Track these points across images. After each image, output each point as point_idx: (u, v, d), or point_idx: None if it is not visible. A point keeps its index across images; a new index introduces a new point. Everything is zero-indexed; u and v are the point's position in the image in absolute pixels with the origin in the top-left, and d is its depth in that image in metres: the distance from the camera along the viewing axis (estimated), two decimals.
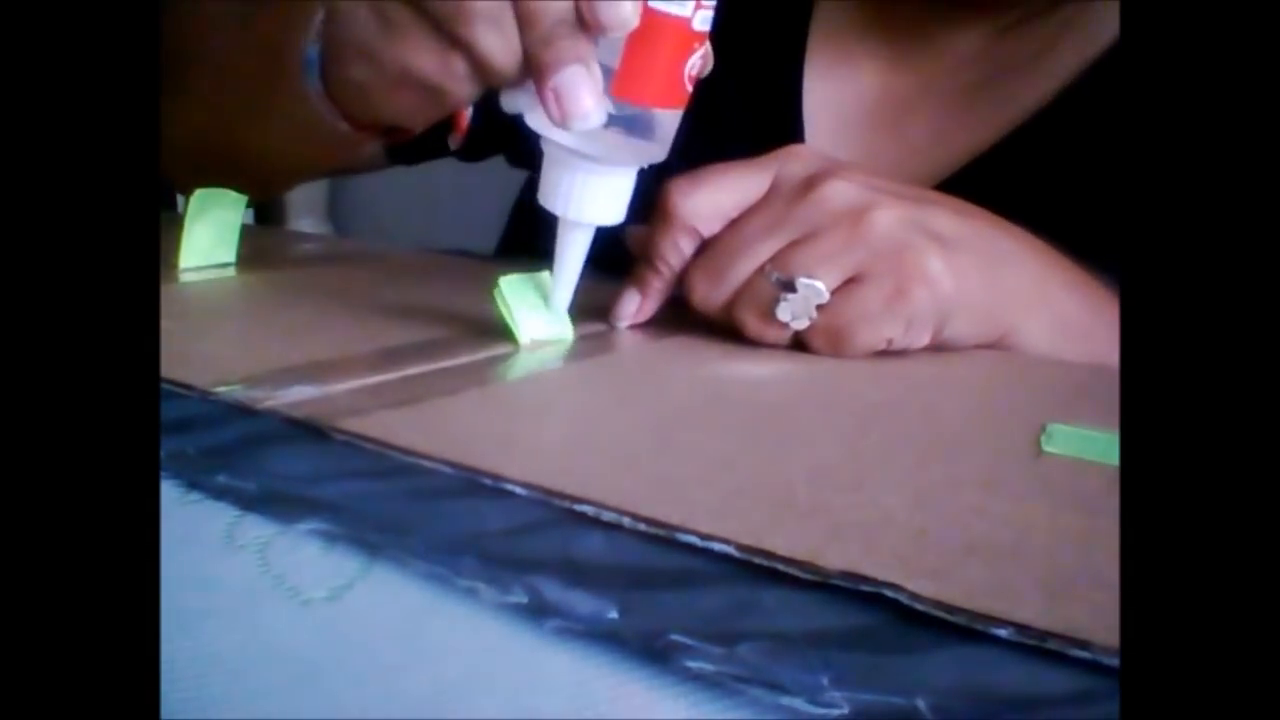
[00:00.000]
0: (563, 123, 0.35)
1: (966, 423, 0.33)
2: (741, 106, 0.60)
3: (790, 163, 0.42)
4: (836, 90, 0.59)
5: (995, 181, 0.53)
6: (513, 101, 0.37)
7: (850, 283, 0.39)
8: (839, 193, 0.40)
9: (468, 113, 0.48)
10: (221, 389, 0.33)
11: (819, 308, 0.39)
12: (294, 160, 0.55)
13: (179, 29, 0.54)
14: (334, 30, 0.42)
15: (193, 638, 0.21)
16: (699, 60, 0.37)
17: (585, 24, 0.35)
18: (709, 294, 0.41)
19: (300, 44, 0.43)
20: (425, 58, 0.38)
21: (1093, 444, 0.31)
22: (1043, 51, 0.55)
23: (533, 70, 0.36)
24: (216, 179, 0.50)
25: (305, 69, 0.44)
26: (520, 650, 0.21)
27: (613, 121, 0.36)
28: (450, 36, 0.37)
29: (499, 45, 0.36)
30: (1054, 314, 0.43)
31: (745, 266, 0.40)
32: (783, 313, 0.40)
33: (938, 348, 0.41)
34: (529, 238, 0.65)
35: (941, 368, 0.40)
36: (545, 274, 0.41)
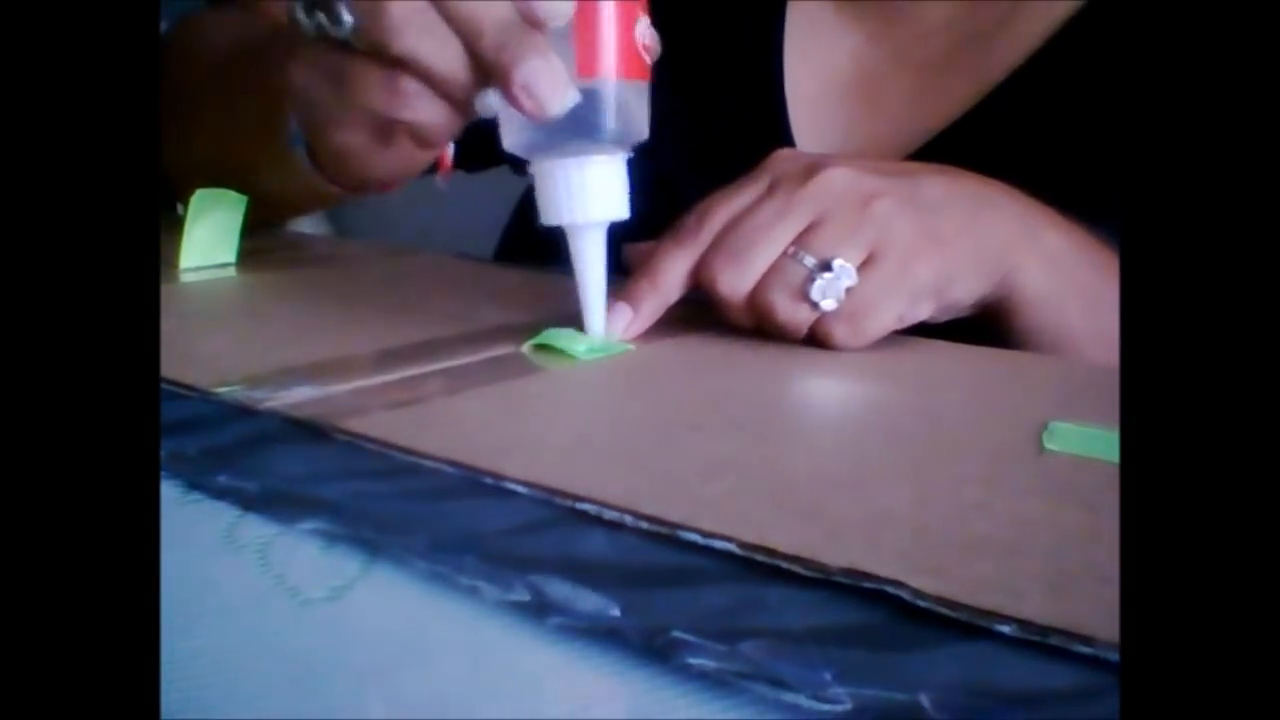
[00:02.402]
0: (539, 113, 0.36)
1: (967, 421, 0.33)
2: (724, 85, 0.61)
3: (781, 162, 0.43)
4: (813, 66, 0.60)
5: (970, 146, 0.55)
6: (484, 105, 0.38)
7: (863, 266, 0.40)
8: (839, 178, 0.41)
9: (449, 151, 0.49)
10: (222, 390, 0.32)
11: (846, 290, 0.40)
12: (296, 206, 0.58)
13: (191, 75, 0.57)
14: (298, 106, 0.44)
15: (193, 638, 0.21)
16: (646, 30, 0.39)
17: (529, 21, 0.36)
18: (736, 281, 0.41)
19: (285, 120, 0.45)
20: (375, 90, 0.38)
21: (1094, 441, 0.31)
22: (1010, 16, 0.56)
23: (496, 77, 0.36)
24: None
25: (292, 141, 0.45)
26: (521, 650, 0.21)
27: (575, 125, 0.37)
28: (387, 57, 0.37)
29: (437, 50, 0.37)
30: (1043, 249, 0.44)
31: (768, 251, 0.41)
32: (816, 293, 0.40)
33: (943, 320, 0.42)
34: (528, 242, 0.66)
35: (942, 366, 0.40)
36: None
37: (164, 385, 0.33)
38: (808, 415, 0.34)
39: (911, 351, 0.41)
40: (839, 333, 0.41)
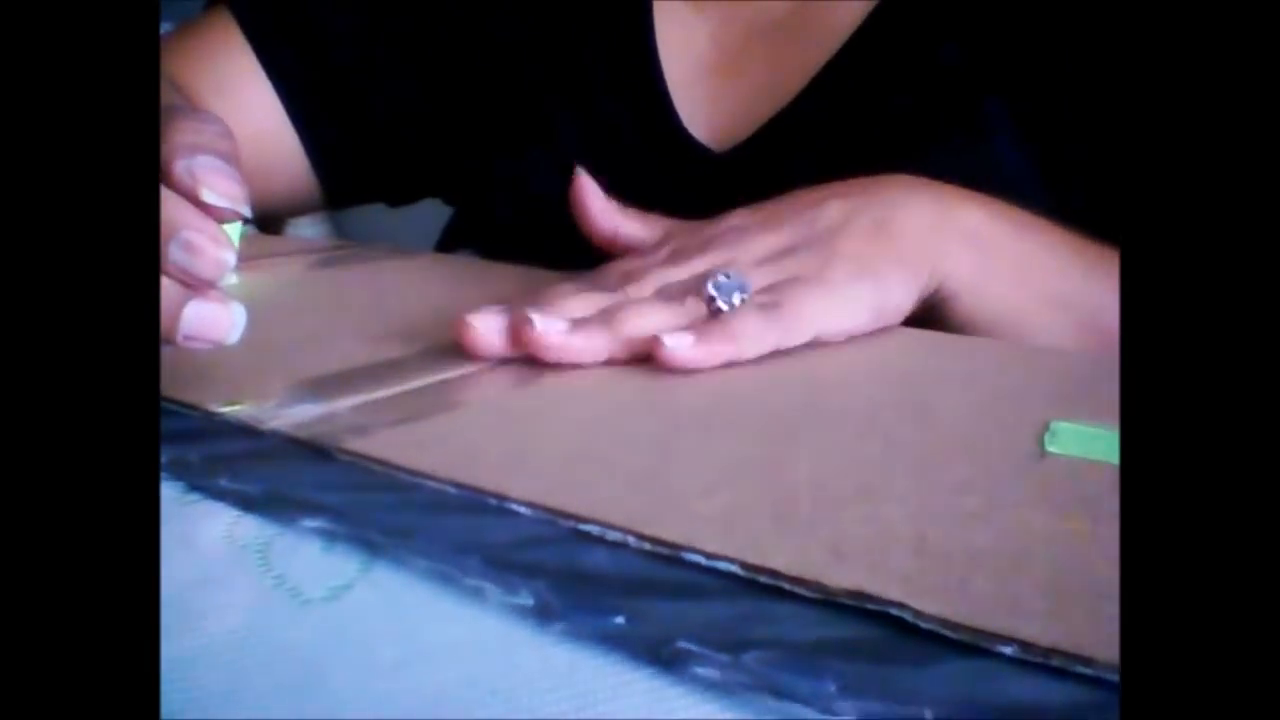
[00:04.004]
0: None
1: (968, 422, 0.33)
2: (611, 84, 0.64)
3: (679, 233, 0.45)
4: (680, 54, 0.64)
5: (829, 102, 0.58)
6: None
7: (784, 284, 0.40)
8: (744, 231, 0.43)
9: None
10: (224, 409, 0.32)
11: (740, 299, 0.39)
12: None
13: None
14: None
15: (193, 638, 0.21)
16: None
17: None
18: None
19: None
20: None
21: (1096, 442, 0.31)
22: None
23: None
24: None
25: None
26: (521, 650, 0.21)
27: None
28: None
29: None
30: (963, 229, 0.45)
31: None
32: (711, 286, 0.39)
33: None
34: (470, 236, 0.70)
35: (941, 361, 0.40)
36: None
37: (165, 403, 0.33)
38: (807, 419, 0.34)
39: (909, 346, 0.41)
40: (752, 324, 0.38)
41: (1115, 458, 0.29)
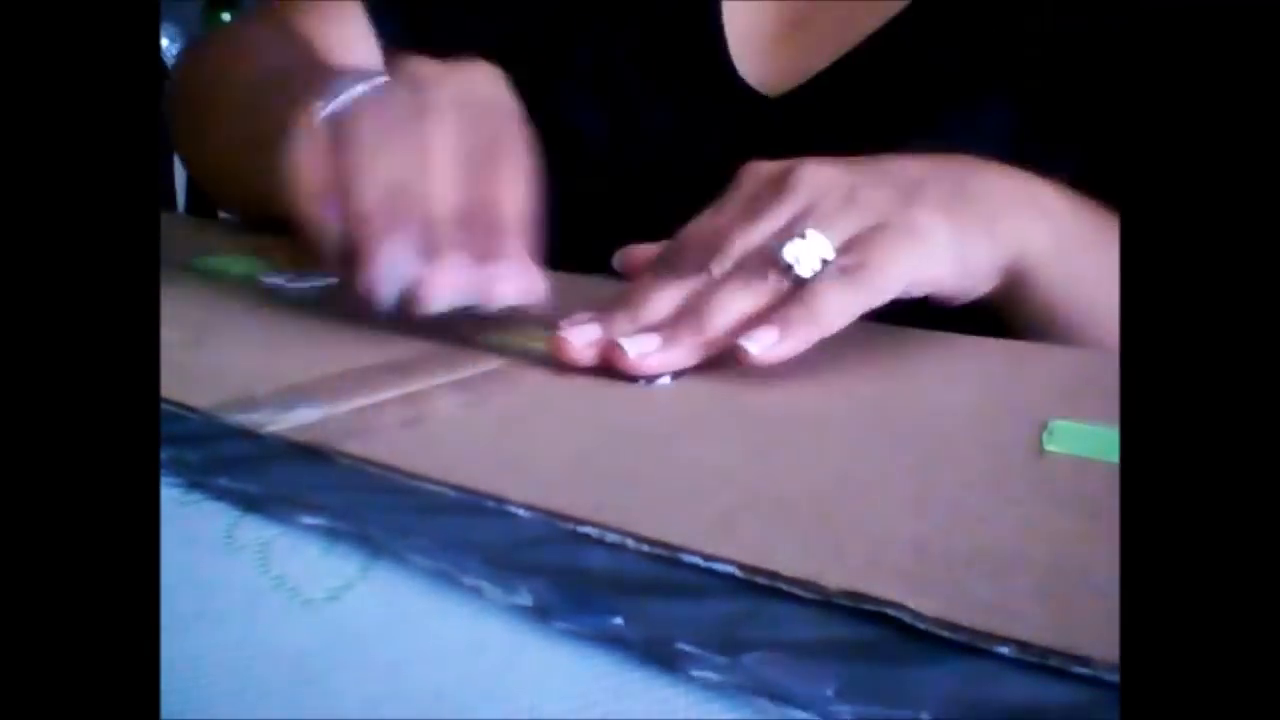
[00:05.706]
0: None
1: (968, 423, 0.33)
2: (669, 30, 0.64)
3: (751, 176, 0.42)
4: (744, 12, 0.64)
5: (887, 53, 0.57)
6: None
7: (864, 235, 0.38)
8: (815, 175, 0.40)
9: None
10: (224, 413, 0.32)
11: (823, 261, 0.37)
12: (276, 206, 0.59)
13: (222, 89, 0.62)
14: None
15: (193, 638, 0.21)
16: None
17: None
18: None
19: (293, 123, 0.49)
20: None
21: (1095, 441, 0.31)
22: None
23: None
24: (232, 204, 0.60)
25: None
26: (521, 650, 0.21)
27: None
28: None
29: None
30: (1043, 207, 0.44)
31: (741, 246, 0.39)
32: (788, 253, 0.37)
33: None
34: None
35: (943, 361, 0.40)
36: None
37: (165, 405, 0.33)
38: (807, 420, 0.34)
39: (911, 347, 0.41)
40: (835, 296, 0.37)
41: (1114, 456, 0.29)
